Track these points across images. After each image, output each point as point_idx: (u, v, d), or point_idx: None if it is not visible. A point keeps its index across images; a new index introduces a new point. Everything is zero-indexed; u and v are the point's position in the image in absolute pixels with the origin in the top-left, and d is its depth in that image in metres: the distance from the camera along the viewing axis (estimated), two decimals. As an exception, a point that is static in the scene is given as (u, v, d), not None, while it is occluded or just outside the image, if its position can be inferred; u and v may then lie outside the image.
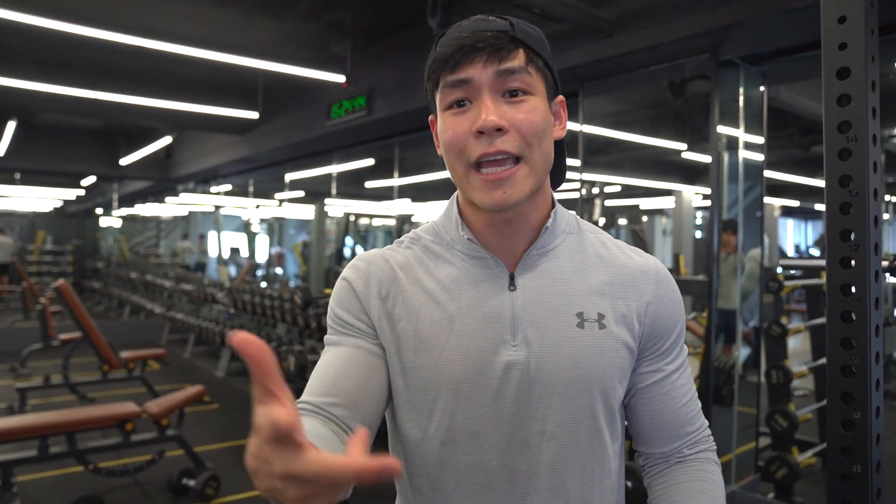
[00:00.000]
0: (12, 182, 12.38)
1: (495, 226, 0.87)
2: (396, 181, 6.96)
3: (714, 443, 0.95)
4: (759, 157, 3.57)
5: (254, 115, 6.24)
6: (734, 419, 3.46)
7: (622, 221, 10.43)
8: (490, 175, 0.80)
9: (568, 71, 3.72)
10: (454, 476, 0.85)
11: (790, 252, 18.87)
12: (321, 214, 11.23)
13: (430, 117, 0.93)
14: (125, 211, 15.47)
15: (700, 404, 0.94)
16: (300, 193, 10.86)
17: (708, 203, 3.33)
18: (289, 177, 9.22)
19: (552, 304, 0.86)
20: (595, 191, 6.83)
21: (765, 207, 3.59)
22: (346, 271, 0.93)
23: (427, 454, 0.87)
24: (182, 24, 4.84)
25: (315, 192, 10.83)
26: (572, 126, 4.34)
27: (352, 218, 10.97)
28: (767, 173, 3.58)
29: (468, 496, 0.85)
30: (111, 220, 16.35)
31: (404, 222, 10.66)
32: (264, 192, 11.52)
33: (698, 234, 10.69)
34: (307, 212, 15.29)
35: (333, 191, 8.18)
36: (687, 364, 0.94)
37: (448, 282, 0.88)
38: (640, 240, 9.18)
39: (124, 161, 9.72)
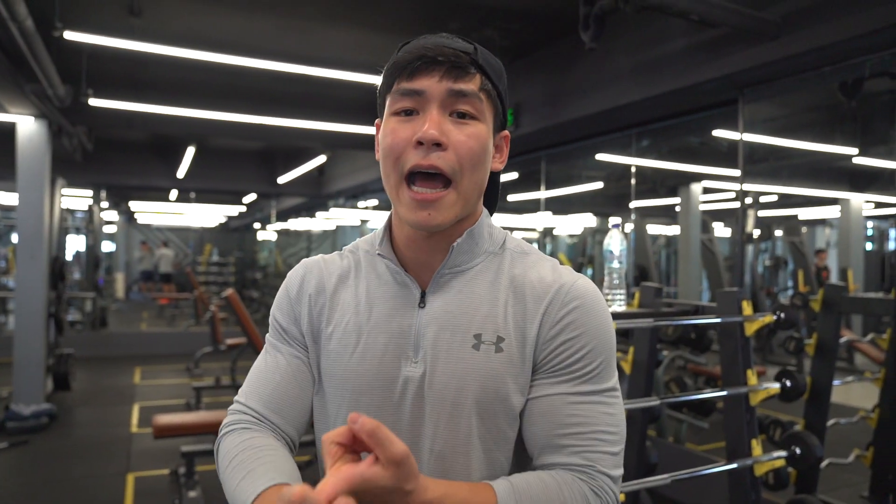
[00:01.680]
0: (188, 200, 13.74)
1: (416, 242, 0.89)
2: (543, 194, 6.95)
3: (603, 480, 0.82)
4: (954, 161, 3.20)
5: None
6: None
7: (778, 233, 9.71)
8: (419, 194, 0.82)
9: (725, 78, 3.54)
10: None
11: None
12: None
13: (377, 121, 0.92)
14: (280, 225, 16.64)
15: (606, 447, 0.82)
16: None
17: (884, 212, 3.03)
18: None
19: (454, 323, 0.86)
20: (748, 201, 6.43)
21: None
22: (287, 277, 0.98)
23: None
24: (337, 51, 5.16)
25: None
26: (732, 135, 4.14)
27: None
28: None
29: None
30: (267, 234, 17.64)
31: (546, 235, 10.61)
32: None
33: (869, 246, 9.72)
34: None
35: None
36: (603, 400, 0.84)
37: (366, 294, 0.91)
38: (799, 252, 8.50)
39: (282, 179, 10.46)
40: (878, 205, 8.63)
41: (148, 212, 17.25)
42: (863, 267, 8.83)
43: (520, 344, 0.85)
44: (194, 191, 12.08)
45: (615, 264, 2.64)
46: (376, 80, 0.96)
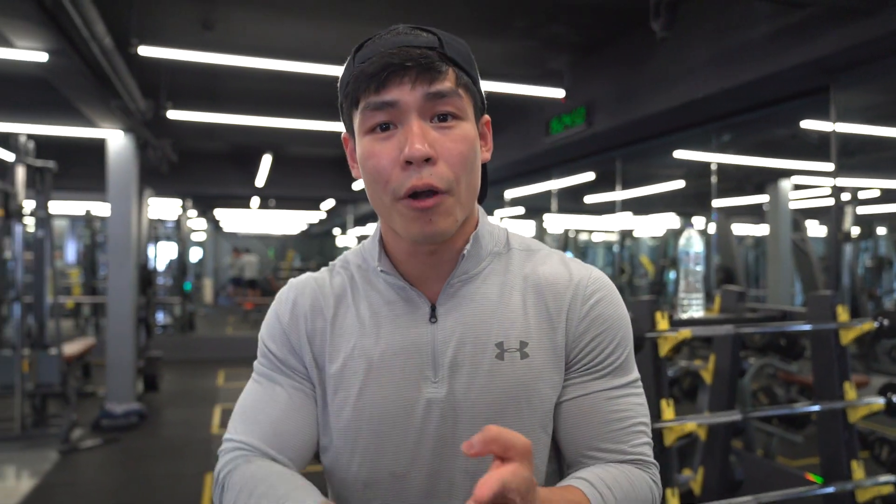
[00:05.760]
0: (268, 207, 14.17)
1: (419, 255, 0.82)
2: (619, 195, 6.72)
3: (655, 470, 0.84)
4: None
5: (474, 135, 6.44)
6: None
7: (881, 230, 9.01)
8: (419, 203, 0.73)
9: (814, 63, 3.28)
10: None
11: None
12: (541, 230, 11.26)
13: (344, 135, 0.85)
14: (359, 231, 16.94)
15: (646, 438, 0.83)
16: (520, 210, 10.99)
17: None
18: (508, 194, 9.38)
19: (472, 335, 0.81)
20: (846, 197, 5.97)
21: None
22: (276, 300, 0.89)
23: (350, 496, 0.83)
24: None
25: (535, 209, 10.91)
26: (824, 126, 3.83)
27: (571, 234, 10.82)
28: None
29: None
30: (345, 240, 17.99)
31: (625, 237, 10.29)
32: (485, 209, 11.87)
33: None
34: (528, 228, 15.49)
35: (553, 206, 8.14)
36: (633, 391, 0.84)
37: (370, 314, 0.84)
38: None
39: (356, 185, 10.61)
40: None
41: (233, 219, 17.91)
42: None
43: (548, 347, 0.82)
44: (273, 198, 12.43)
45: (692, 267, 2.47)
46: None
